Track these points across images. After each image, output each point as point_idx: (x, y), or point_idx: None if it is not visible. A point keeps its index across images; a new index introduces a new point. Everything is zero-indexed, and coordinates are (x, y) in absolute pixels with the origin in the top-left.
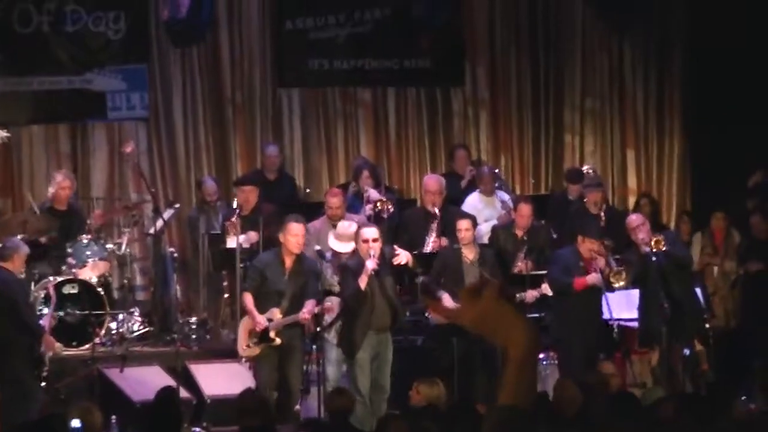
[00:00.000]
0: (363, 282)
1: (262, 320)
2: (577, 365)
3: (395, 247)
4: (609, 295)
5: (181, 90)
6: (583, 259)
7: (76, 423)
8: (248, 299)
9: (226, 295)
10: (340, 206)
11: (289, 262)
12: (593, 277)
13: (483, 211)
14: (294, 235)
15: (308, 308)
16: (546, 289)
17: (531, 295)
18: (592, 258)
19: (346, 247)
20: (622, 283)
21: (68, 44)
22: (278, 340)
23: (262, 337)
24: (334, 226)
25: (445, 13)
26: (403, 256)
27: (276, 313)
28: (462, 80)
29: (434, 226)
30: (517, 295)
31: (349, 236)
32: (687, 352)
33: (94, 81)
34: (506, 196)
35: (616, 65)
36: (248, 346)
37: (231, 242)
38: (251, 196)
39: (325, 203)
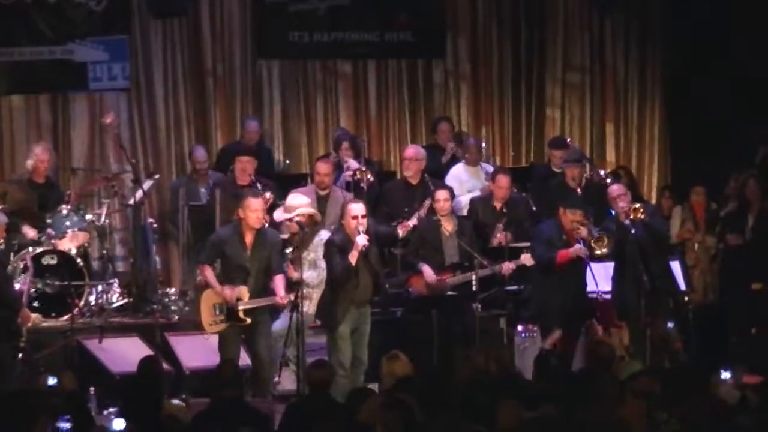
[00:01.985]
0: (353, 258)
1: (229, 293)
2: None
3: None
4: (592, 266)
5: (162, 61)
6: (565, 231)
7: (52, 380)
8: (208, 271)
9: None
10: (329, 173)
11: (249, 237)
12: (576, 249)
13: (467, 182)
14: (254, 210)
15: (281, 291)
16: (525, 260)
17: (507, 267)
18: (574, 229)
19: (285, 216)
20: (605, 250)
21: (50, 15)
22: (248, 320)
23: (229, 315)
24: (320, 196)
25: None
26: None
27: (244, 292)
28: (443, 53)
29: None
30: (497, 267)
31: (295, 208)
32: (671, 325)
33: (75, 51)
34: (490, 168)
35: (597, 39)
36: (214, 322)
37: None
38: (248, 166)
39: (314, 169)
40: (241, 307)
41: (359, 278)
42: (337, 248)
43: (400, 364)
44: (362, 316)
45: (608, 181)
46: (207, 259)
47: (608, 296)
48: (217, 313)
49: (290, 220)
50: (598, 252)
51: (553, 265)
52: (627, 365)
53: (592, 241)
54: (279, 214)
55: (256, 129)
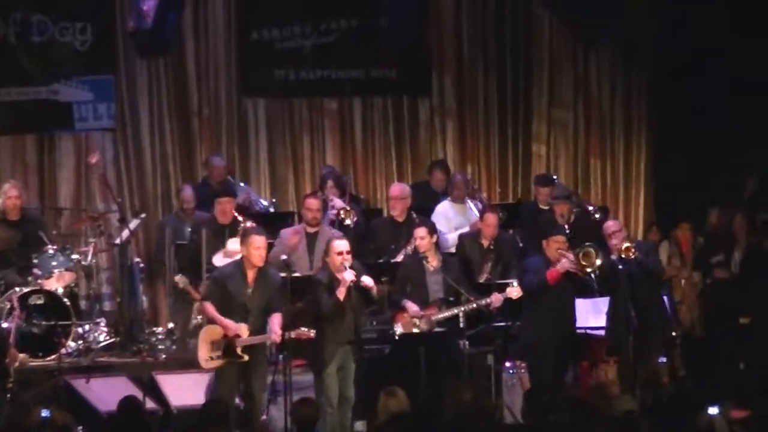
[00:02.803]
0: (341, 294)
1: (234, 326)
2: (548, 373)
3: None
4: (578, 302)
5: (148, 101)
6: (552, 261)
7: (45, 413)
8: (211, 308)
9: (196, 304)
10: (319, 209)
11: (251, 275)
12: (564, 263)
13: (454, 219)
14: (257, 248)
15: (277, 328)
16: (510, 293)
17: (497, 298)
18: (561, 256)
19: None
20: (598, 262)
21: (35, 55)
22: (246, 357)
23: (227, 351)
24: (309, 234)
25: (412, 24)
26: (366, 282)
27: (244, 329)
28: (429, 90)
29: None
30: (484, 301)
31: (235, 253)
32: (663, 360)
33: (60, 92)
34: (478, 205)
35: (582, 75)
36: (211, 358)
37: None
38: (228, 206)
39: (303, 206)
40: (239, 344)
41: (345, 316)
42: (324, 287)
43: (397, 400)
44: (346, 353)
45: (596, 215)
46: (210, 296)
47: (597, 332)
48: (215, 348)
49: None
50: (589, 269)
51: (546, 286)
52: (619, 401)
53: (581, 256)
54: (219, 259)
55: (222, 165)
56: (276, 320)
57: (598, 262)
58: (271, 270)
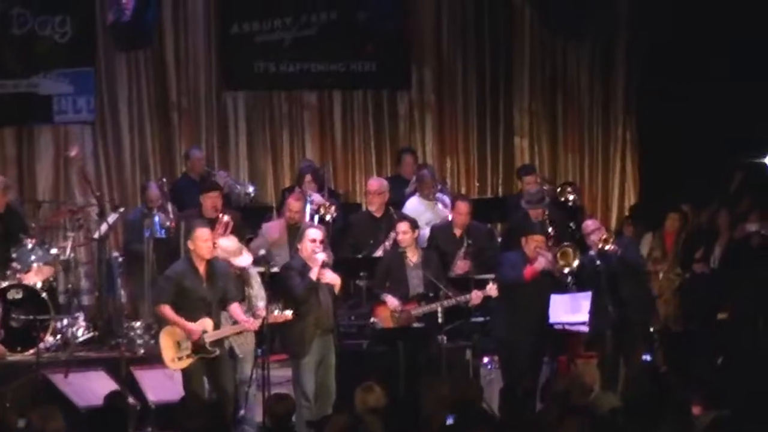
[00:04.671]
0: (314, 274)
1: (197, 329)
2: (522, 368)
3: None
4: (555, 298)
5: (127, 94)
6: (530, 258)
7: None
8: (169, 310)
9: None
10: (299, 211)
11: (202, 268)
12: (541, 261)
13: (423, 215)
14: (204, 240)
15: (244, 316)
16: (490, 290)
17: (477, 295)
18: (539, 254)
19: (246, 260)
20: (575, 262)
21: (14, 48)
22: (217, 351)
23: (195, 348)
24: (291, 228)
25: (391, 17)
26: (331, 278)
27: (208, 324)
28: (408, 83)
29: (392, 235)
30: (463, 297)
31: (236, 250)
32: (648, 358)
33: (40, 85)
34: (447, 199)
35: (561, 66)
36: (179, 358)
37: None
38: (218, 201)
39: (285, 206)
40: (207, 339)
41: (321, 299)
42: (296, 271)
43: (374, 396)
44: (327, 344)
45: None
46: (166, 298)
47: (575, 327)
48: (183, 348)
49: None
50: (566, 268)
51: (522, 282)
52: (601, 397)
53: (558, 256)
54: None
55: (201, 156)
56: (237, 309)
57: (575, 263)
58: (218, 262)
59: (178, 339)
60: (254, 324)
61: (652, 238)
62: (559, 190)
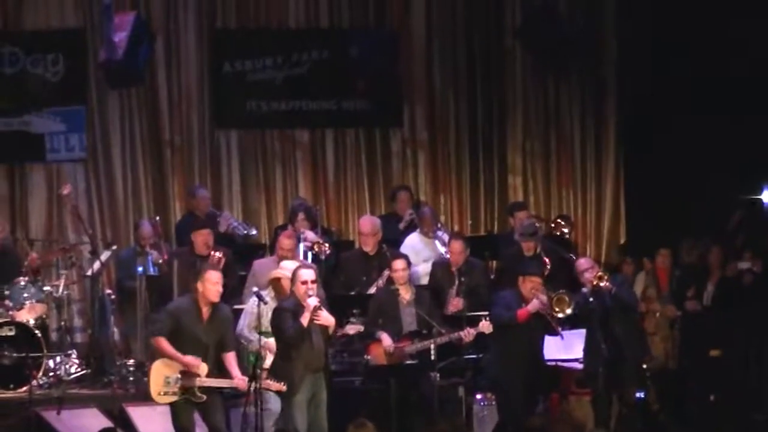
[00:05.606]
0: (305, 319)
1: (195, 361)
2: (516, 406)
3: (321, 309)
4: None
5: (120, 132)
6: (525, 299)
7: None
8: (165, 343)
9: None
10: (291, 249)
11: (206, 311)
12: (535, 304)
13: (422, 252)
14: (214, 283)
15: (238, 371)
16: (483, 327)
17: (469, 333)
18: (534, 296)
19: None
20: (568, 311)
21: (6, 86)
22: (204, 398)
23: (184, 390)
24: None
25: (383, 55)
26: (325, 319)
27: (203, 369)
28: (400, 121)
29: (385, 273)
30: (456, 334)
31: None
32: (642, 395)
33: (32, 123)
34: (446, 237)
35: (553, 105)
36: (165, 393)
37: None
38: (209, 238)
39: (276, 243)
40: (198, 384)
41: (313, 342)
42: (289, 313)
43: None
44: (318, 381)
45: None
46: (162, 330)
47: (568, 364)
48: (171, 383)
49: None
50: (560, 314)
51: (514, 323)
52: None
53: (553, 301)
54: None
55: (207, 196)
56: (233, 361)
57: (569, 311)
58: (224, 306)
59: (167, 374)
60: (244, 384)
61: (645, 276)
62: (553, 225)
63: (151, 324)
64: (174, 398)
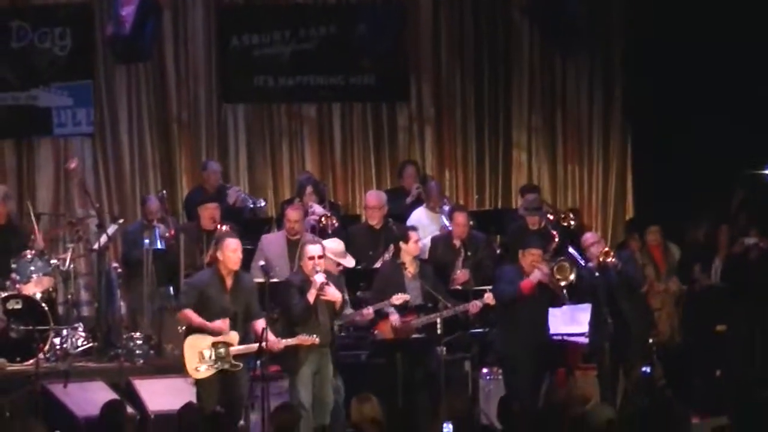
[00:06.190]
0: (312, 296)
1: (223, 324)
2: (523, 381)
3: (328, 284)
4: (554, 310)
5: (127, 106)
6: (526, 273)
7: None
8: (191, 314)
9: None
10: (299, 220)
11: (229, 280)
12: (536, 275)
13: (428, 227)
14: (233, 250)
15: (270, 336)
16: (488, 299)
17: (475, 305)
18: (535, 268)
19: (351, 261)
20: (571, 277)
21: (14, 61)
22: (240, 366)
23: (218, 359)
24: (291, 241)
25: (390, 31)
26: (331, 295)
27: (234, 338)
28: (407, 96)
29: (392, 247)
30: (462, 306)
31: (341, 252)
32: (647, 370)
33: (39, 97)
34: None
35: (560, 81)
36: (201, 368)
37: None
38: (216, 212)
39: (284, 216)
40: (232, 352)
41: (319, 318)
42: (296, 289)
43: (370, 406)
44: (323, 357)
45: (571, 222)
46: (188, 302)
47: (574, 339)
48: (206, 357)
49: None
50: (563, 282)
51: (517, 297)
52: (598, 409)
53: (554, 269)
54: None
55: (216, 170)
56: (262, 327)
57: (572, 277)
58: (246, 274)
59: (200, 348)
60: (279, 344)
61: (640, 255)
62: (563, 216)
63: (177, 299)
64: (210, 372)
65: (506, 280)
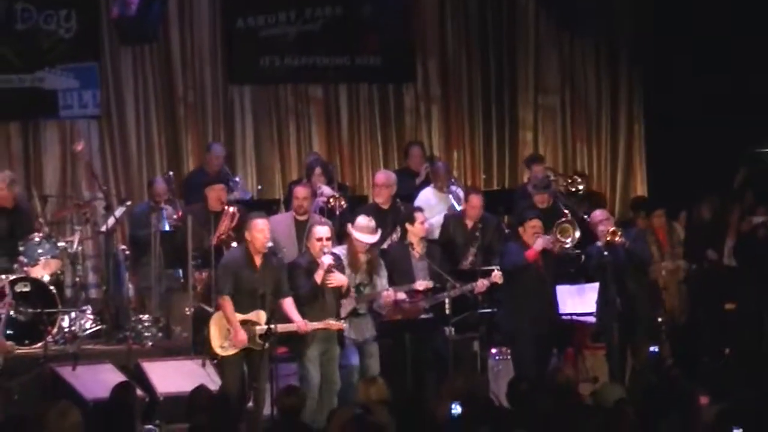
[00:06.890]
0: (319, 277)
1: (243, 338)
2: (531, 361)
3: (333, 271)
4: (562, 289)
5: (133, 88)
6: (529, 246)
7: None
8: (229, 305)
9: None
10: (307, 197)
11: (258, 260)
12: (540, 242)
13: (436, 207)
14: (260, 231)
15: (298, 316)
16: (495, 277)
17: (482, 284)
18: (536, 236)
19: (372, 238)
20: (577, 234)
21: (19, 43)
22: (266, 345)
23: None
24: (298, 222)
25: (395, 11)
26: (337, 281)
27: (261, 316)
28: (413, 76)
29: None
30: (469, 285)
31: (371, 228)
32: (655, 350)
33: (45, 79)
34: (460, 192)
35: (568, 60)
36: (227, 346)
37: None
38: (222, 194)
39: (291, 195)
40: (258, 331)
41: (325, 299)
42: (303, 270)
43: (377, 387)
44: (330, 338)
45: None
46: (226, 288)
47: (583, 318)
48: (232, 335)
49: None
50: (568, 241)
51: (525, 264)
52: (606, 389)
53: (557, 232)
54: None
55: (220, 155)
56: (291, 306)
57: (577, 234)
58: (272, 254)
59: (228, 326)
60: (307, 326)
61: (647, 236)
62: (569, 180)
63: (215, 283)
64: (235, 350)
65: (512, 253)
